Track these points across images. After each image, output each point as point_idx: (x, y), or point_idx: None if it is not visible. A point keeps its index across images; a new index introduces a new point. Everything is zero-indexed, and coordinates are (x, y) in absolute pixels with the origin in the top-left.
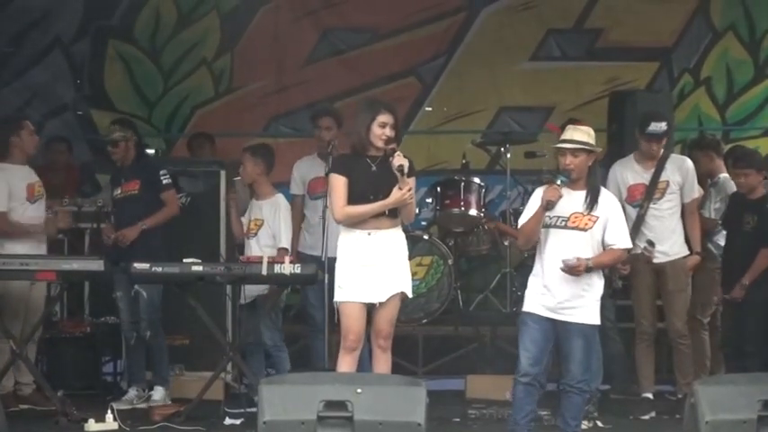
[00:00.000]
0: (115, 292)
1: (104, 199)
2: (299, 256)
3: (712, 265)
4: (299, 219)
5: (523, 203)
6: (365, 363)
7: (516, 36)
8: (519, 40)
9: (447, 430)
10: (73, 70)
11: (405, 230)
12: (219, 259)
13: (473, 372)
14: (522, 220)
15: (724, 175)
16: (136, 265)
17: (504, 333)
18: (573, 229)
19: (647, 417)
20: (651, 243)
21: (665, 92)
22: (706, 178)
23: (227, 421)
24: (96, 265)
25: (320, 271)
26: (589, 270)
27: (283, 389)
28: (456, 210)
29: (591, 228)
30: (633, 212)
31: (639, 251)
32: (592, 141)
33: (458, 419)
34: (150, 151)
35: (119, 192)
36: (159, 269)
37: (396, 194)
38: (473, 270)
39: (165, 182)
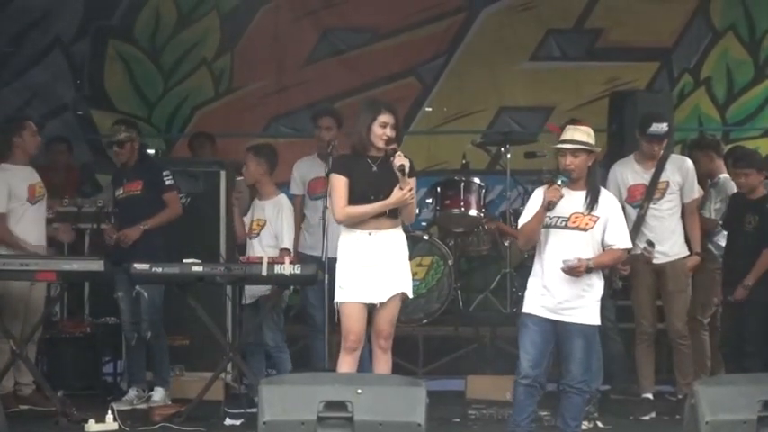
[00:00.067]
0: (116, 293)
1: (104, 199)
2: (299, 257)
3: (712, 266)
4: (299, 219)
5: (523, 204)
6: (365, 363)
7: (516, 36)
8: (519, 40)
9: (447, 430)
10: (73, 70)
11: (405, 231)
12: (219, 259)
13: (473, 372)
14: (521, 221)
15: (724, 176)
16: (136, 265)
17: (504, 333)
18: (573, 229)
19: (647, 417)
20: (651, 243)
21: (665, 92)
22: (706, 179)
23: (228, 421)
24: (96, 265)
25: (320, 271)
26: (589, 270)
27: (283, 389)
28: (456, 210)
29: (591, 228)
30: (633, 213)
31: (639, 251)
32: (592, 141)
33: (458, 420)
34: (150, 151)
35: (121, 192)
36: (159, 269)
37: (396, 194)
38: (473, 270)
39: (167, 182)
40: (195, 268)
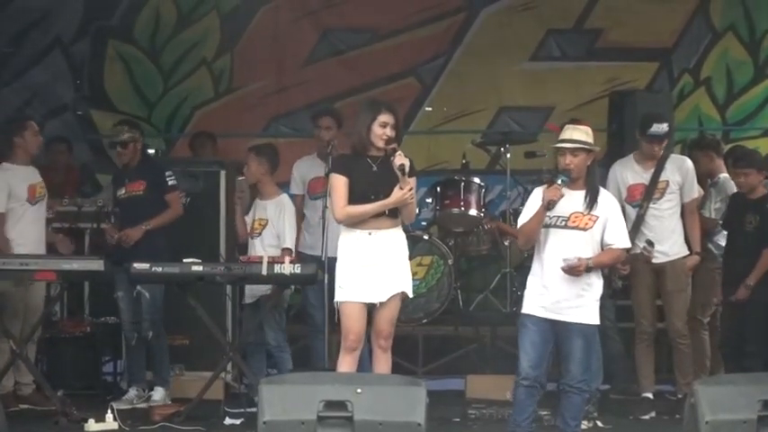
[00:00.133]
0: (116, 292)
1: (104, 199)
2: (298, 256)
3: (712, 266)
4: (299, 219)
5: (523, 203)
6: (365, 363)
7: (516, 36)
8: (519, 40)
9: (447, 430)
10: (73, 70)
11: (405, 230)
12: (219, 259)
13: (473, 372)
14: (521, 221)
15: (724, 175)
16: (135, 265)
17: (504, 333)
18: (573, 228)
19: (647, 417)
20: (650, 243)
21: (665, 92)
22: (706, 178)
23: (227, 421)
24: (96, 265)
25: (320, 271)
26: (589, 270)
27: (283, 389)
28: (456, 210)
29: (591, 227)
30: (633, 212)
31: (639, 251)
32: (591, 141)
33: (458, 419)
34: (150, 151)
35: (123, 192)
36: (159, 269)
37: (397, 194)
38: (473, 270)
39: (170, 183)
40: (195, 268)
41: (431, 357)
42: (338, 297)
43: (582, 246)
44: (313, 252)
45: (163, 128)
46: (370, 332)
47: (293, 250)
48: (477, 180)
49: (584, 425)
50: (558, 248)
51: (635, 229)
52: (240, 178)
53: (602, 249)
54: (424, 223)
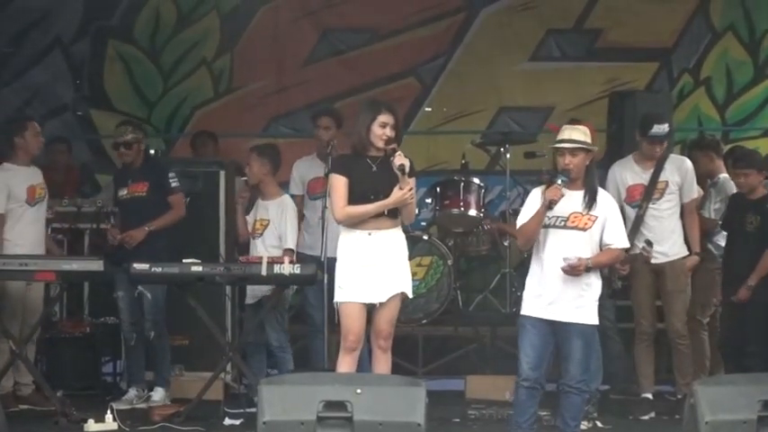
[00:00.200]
0: (116, 292)
1: (104, 199)
2: (298, 257)
3: (712, 266)
4: (298, 219)
5: (523, 204)
6: (365, 363)
7: (516, 36)
8: (519, 40)
9: (447, 430)
10: (73, 70)
11: (404, 231)
12: (219, 259)
13: (473, 372)
14: (520, 221)
15: (724, 176)
16: (135, 265)
17: (504, 333)
18: (572, 228)
19: (646, 417)
20: (649, 243)
21: (665, 92)
22: (706, 179)
23: (227, 421)
24: (96, 265)
25: (320, 271)
26: (588, 270)
27: (283, 389)
28: (455, 210)
29: (590, 227)
30: (632, 213)
31: (638, 251)
32: (589, 140)
33: (457, 420)
34: (150, 152)
35: (125, 192)
36: (159, 269)
37: (396, 194)
38: (473, 270)
39: (173, 185)
40: (195, 268)
41: (430, 358)
42: (338, 297)
43: (581, 246)
44: (312, 252)
45: (163, 128)
46: (370, 332)
47: (295, 251)
48: (476, 180)
49: (584, 425)
50: (558, 248)
51: (634, 230)
52: (242, 179)
53: (601, 249)
54: (423, 223)
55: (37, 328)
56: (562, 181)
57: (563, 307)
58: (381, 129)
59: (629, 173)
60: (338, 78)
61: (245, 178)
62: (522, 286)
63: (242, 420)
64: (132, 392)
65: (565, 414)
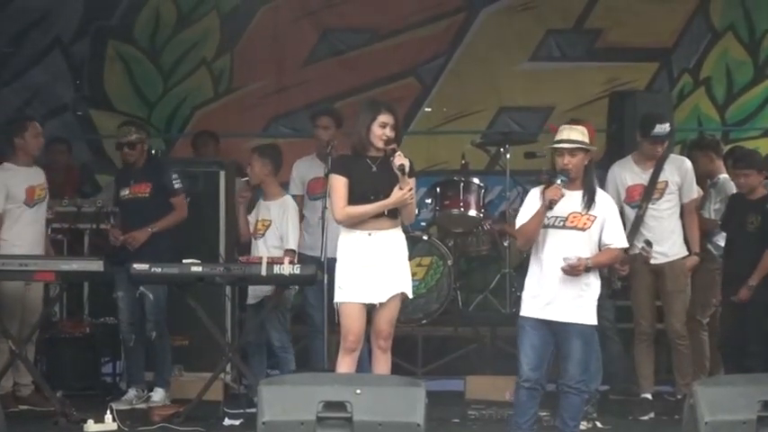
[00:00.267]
0: (116, 292)
1: (104, 199)
2: (298, 257)
3: (712, 266)
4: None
5: (522, 204)
6: (364, 363)
7: (516, 36)
8: (519, 40)
9: (446, 431)
10: (72, 70)
11: (404, 231)
12: (219, 260)
13: (473, 372)
14: (519, 222)
15: (724, 176)
16: (135, 265)
17: (504, 333)
18: (572, 228)
19: (646, 417)
20: (649, 243)
21: (665, 92)
22: (706, 179)
23: (227, 422)
24: (96, 265)
25: (319, 271)
26: (588, 270)
27: (283, 389)
28: (455, 210)
29: (589, 227)
30: (632, 213)
31: (637, 251)
32: (587, 140)
33: (457, 420)
34: (152, 152)
35: (127, 193)
36: (159, 270)
37: (396, 194)
38: (473, 270)
39: (176, 186)
40: (194, 268)
41: (430, 358)
42: (338, 298)
43: (580, 246)
44: (312, 253)
45: (162, 128)
46: (370, 332)
47: (296, 251)
48: (476, 180)
49: (584, 425)
50: (557, 249)
51: (634, 230)
52: (244, 179)
53: (600, 250)
54: (423, 224)
55: (36, 329)
56: (562, 181)
57: (562, 307)
58: (381, 129)
59: (628, 173)
60: (338, 78)
61: (246, 179)
62: (521, 286)
63: (242, 421)
64: (132, 393)
65: (564, 414)
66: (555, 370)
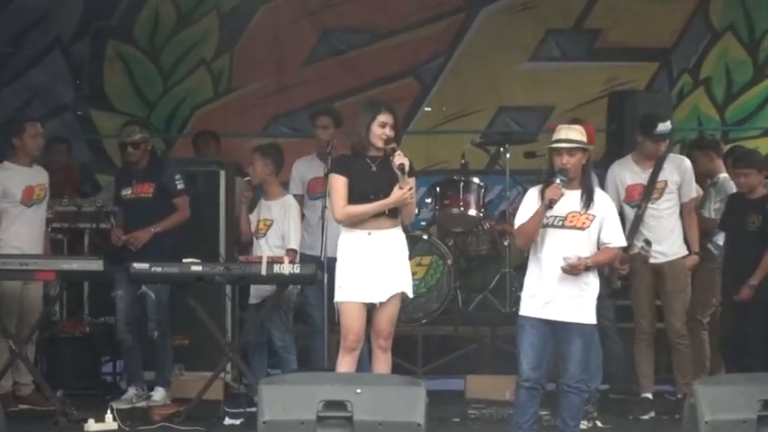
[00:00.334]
0: (115, 291)
1: (104, 199)
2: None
3: (712, 266)
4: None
5: None
6: (365, 362)
7: (516, 36)
8: (519, 40)
9: (447, 430)
10: (72, 70)
11: (404, 230)
12: (219, 259)
13: (473, 372)
14: (518, 221)
15: (723, 176)
16: (135, 264)
17: (504, 333)
18: (571, 228)
19: (646, 417)
20: (648, 242)
21: (665, 92)
22: (705, 178)
23: (227, 421)
24: (96, 265)
25: (319, 271)
26: (587, 269)
27: (283, 389)
28: (455, 210)
29: (588, 227)
30: (631, 213)
31: (637, 251)
32: (585, 140)
33: (457, 419)
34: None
35: (129, 192)
36: (159, 269)
37: (396, 193)
38: (472, 270)
39: (179, 186)
40: (194, 268)
41: (430, 357)
42: (338, 297)
43: (580, 245)
44: (312, 252)
45: (162, 128)
46: (370, 332)
47: (298, 251)
48: (476, 180)
49: (584, 425)
50: (556, 248)
51: (633, 230)
52: (245, 179)
53: (599, 249)
54: (423, 223)
55: (36, 328)
56: (561, 180)
57: (562, 306)
58: (381, 128)
59: (627, 173)
60: (338, 78)
61: (248, 178)
62: (521, 286)
63: (242, 420)
64: (132, 392)
65: (564, 414)
66: (555, 369)
